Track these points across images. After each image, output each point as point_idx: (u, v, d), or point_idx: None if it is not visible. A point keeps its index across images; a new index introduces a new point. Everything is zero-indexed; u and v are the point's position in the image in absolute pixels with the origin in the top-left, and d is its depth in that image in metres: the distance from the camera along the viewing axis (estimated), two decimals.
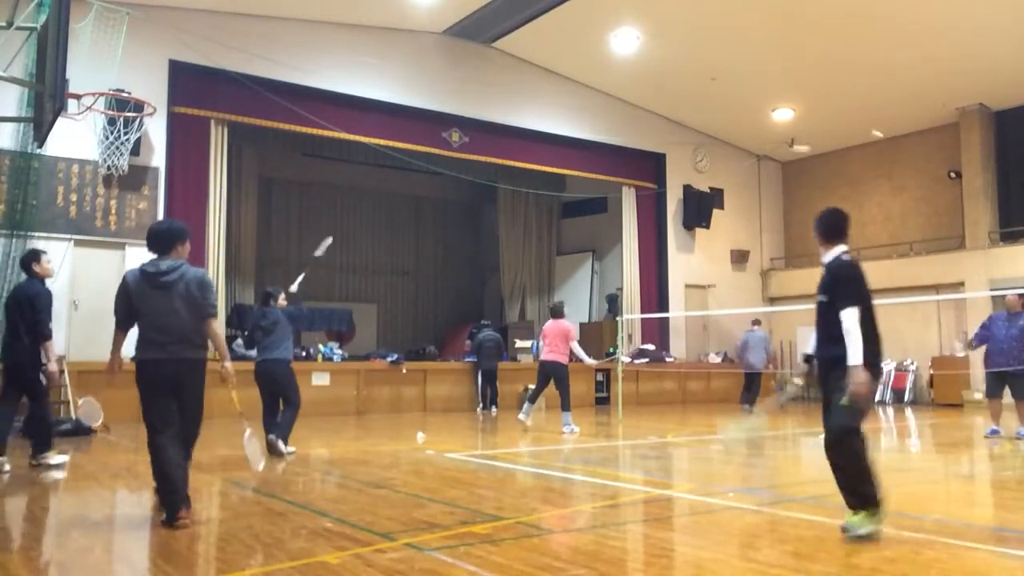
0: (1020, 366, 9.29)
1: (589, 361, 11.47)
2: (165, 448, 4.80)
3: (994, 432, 9.77)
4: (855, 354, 4.30)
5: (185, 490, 4.76)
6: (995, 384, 9.68)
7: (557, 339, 10.76)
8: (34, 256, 7.18)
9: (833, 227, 4.81)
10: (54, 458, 7.27)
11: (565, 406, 10.85)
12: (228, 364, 5.16)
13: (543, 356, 11.01)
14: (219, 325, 5.35)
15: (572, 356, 11.03)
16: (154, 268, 4.94)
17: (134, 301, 4.92)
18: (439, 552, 4.07)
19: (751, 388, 14.94)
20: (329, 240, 10.34)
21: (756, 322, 15.79)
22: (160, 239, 5.04)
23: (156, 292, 4.89)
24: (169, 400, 4.89)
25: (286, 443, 8.06)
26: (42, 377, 7.03)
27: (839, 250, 4.69)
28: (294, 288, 9.02)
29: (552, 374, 10.82)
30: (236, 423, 6.30)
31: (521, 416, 11.05)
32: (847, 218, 4.90)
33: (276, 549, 4.16)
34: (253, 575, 3.73)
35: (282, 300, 8.68)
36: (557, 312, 11.15)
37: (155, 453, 4.82)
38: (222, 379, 5.16)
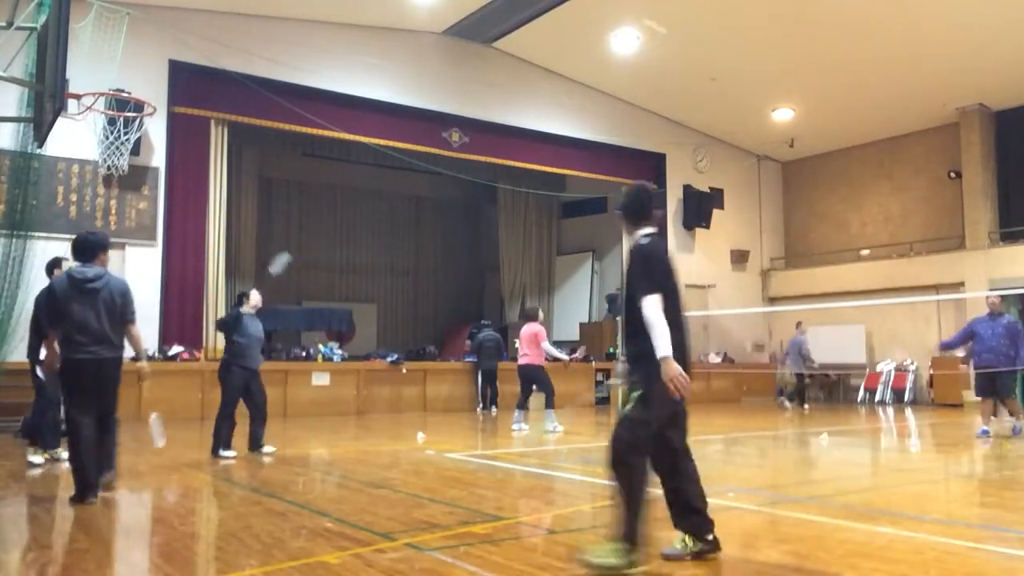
0: (1008, 364, 9.53)
1: (563, 357, 11.49)
2: (84, 438, 5.46)
3: (985, 432, 9.83)
4: (662, 345, 3.78)
5: (97, 477, 5.53)
6: (987, 384, 9.87)
7: (530, 343, 10.96)
8: (55, 263, 7.48)
9: (638, 206, 4.20)
10: (35, 457, 7.38)
11: (548, 404, 11.09)
12: (145, 363, 5.85)
13: (520, 361, 11.18)
14: (137, 328, 5.88)
15: (549, 357, 11.25)
16: (81, 275, 5.56)
17: (60, 305, 5.53)
18: (439, 552, 4.07)
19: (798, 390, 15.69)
20: (286, 257, 10.47)
21: (798, 324, 15.99)
22: (84, 248, 5.75)
23: (81, 297, 5.51)
24: (89, 394, 5.52)
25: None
26: (41, 375, 7.17)
27: (643, 232, 4.11)
28: (274, 269, 9.05)
29: (530, 377, 11.05)
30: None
31: (514, 427, 11.01)
32: (653, 196, 4.30)
33: (276, 549, 4.16)
34: (253, 575, 3.73)
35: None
36: (530, 315, 11.35)
37: (74, 441, 5.47)
38: (139, 377, 5.83)
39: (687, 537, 4.00)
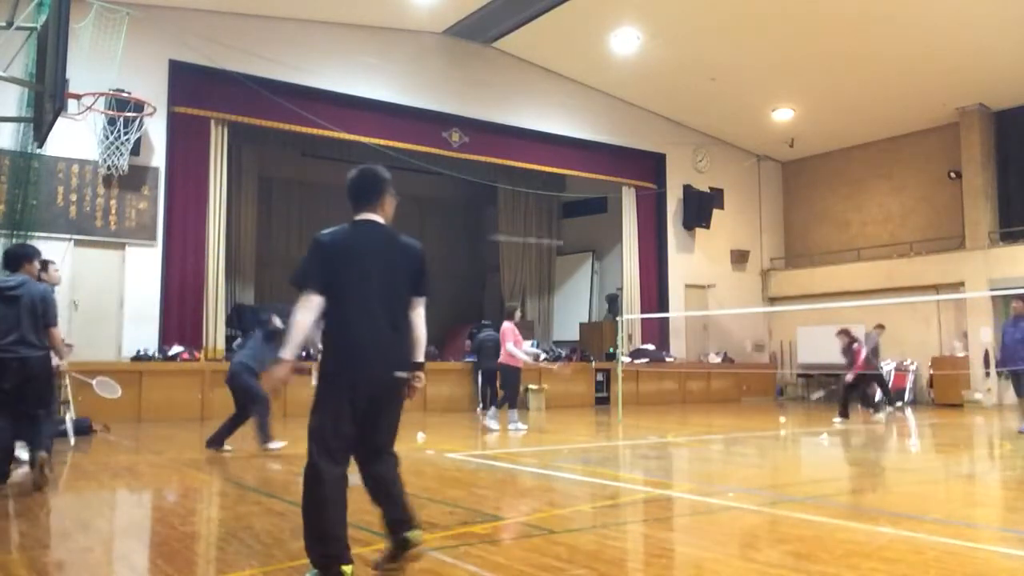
0: (1021, 365, 9.72)
1: (527, 359, 11.40)
2: (4, 428, 6.03)
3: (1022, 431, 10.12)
4: (288, 346, 3.58)
5: (7, 467, 6.15)
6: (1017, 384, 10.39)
7: (502, 342, 11.11)
8: (42, 265, 7.39)
9: (353, 189, 3.79)
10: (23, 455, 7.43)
11: (499, 402, 11.37)
12: (63, 362, 6.53)
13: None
14: (58, 331, 6.31)
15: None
16: (3, 283, 6.11)
17: None
18: (439, 552, 4.07)
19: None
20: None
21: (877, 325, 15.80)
22: (9, 259, 6.43)
23: (3, 303, 6.01)
24: (10, 392, 5.94)
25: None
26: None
27: (357, 218, 3.76)
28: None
29: (501, 375, 11.31)
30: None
31: (511, 426, 11.05)
32: (379, 180, 3.79)
33: (276, 549, 4.15)
34: (253, 575, 3.73)
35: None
36: (506, 314, 11.43)
37: None
38: (59, 374, 6.55)
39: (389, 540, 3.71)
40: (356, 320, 3.58)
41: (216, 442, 8.24)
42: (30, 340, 5.98)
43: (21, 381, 5.92)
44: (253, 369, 8.42)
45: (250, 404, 8.27)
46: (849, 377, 12.12)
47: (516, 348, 10.97)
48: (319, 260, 3.59)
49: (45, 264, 7.34)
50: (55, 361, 6.31)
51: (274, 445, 8.22)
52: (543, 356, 11.95)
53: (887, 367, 17.83)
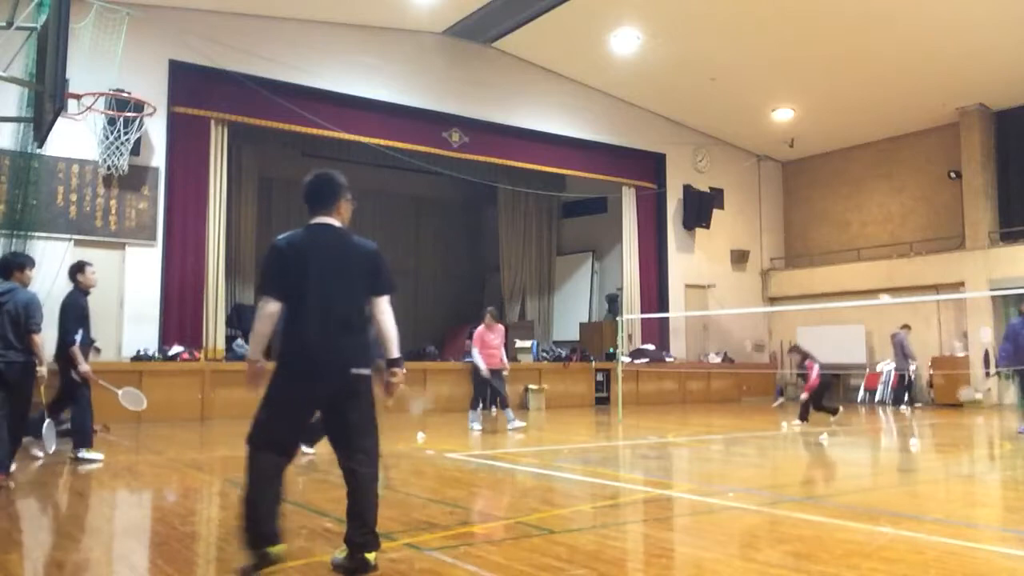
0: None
1: (481, 366, 11.19)
2: None
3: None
4: (251, 347, 3.78)
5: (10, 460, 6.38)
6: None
7: (475, 344, 11.25)
8: (79, 267, 7.69)
9: (308, 193, 3.98)
10: (93, 453, 7.61)
11: (502, 404, 11.62)
12: (43, 369, 6.60)
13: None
14: (40, 338, 6.52)
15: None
16: None
17: None
18: (439, 552, 4.07)
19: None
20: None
21: (904, 326, 16.04)
22: (1, 267, 6.71)
23: None
24: None
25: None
26: (75, 376, 7.40)
27: (312, 222, 3.89)
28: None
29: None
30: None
31: (510, 425, 11.14)
32: (335, 184, 3.98)
33: None
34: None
35: None
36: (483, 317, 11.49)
37: None
38: (37, 379, 6.65)
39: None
40: (309, 321, 3.66)
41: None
42: (13, 345, 6.33)
43: (2, 383, 6.27)
44: None
45: None
46: (803, 396, 12.09)
47: (476, 353, 11.15)
48: (276, 265, 3.72)
49: (82, 266, 7.63)
50: (40, 367, 6.57)
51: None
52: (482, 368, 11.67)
53: (887, 367, 17.84)
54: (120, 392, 8.34)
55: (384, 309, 3.87)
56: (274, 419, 3.64)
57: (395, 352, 3.88)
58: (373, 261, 3.87)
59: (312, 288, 3.68)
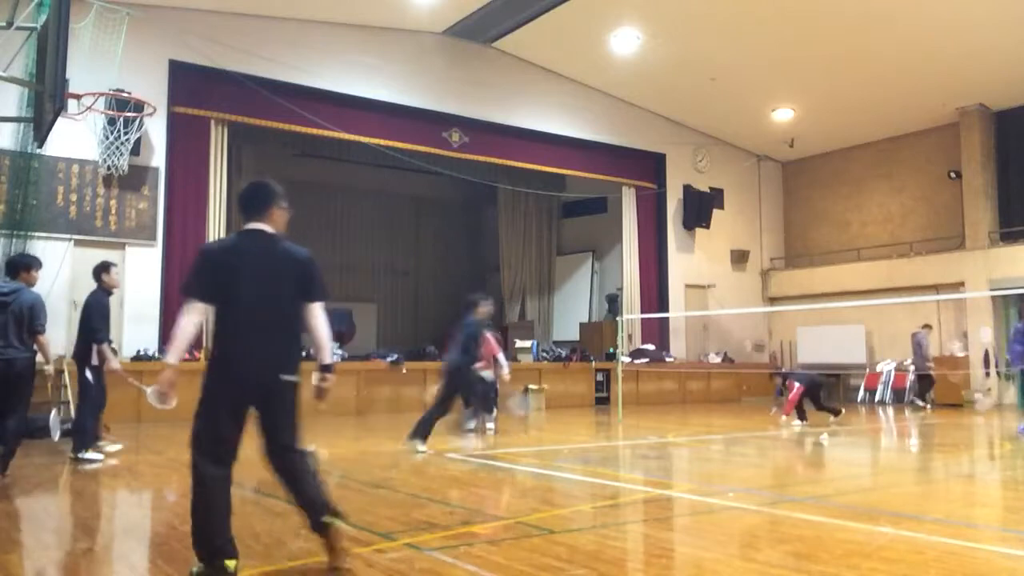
0: None
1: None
2: None
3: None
4: (171, 352, 3.72)
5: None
6: None
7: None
8: (104, 267, 7.86)
9: (243, 200, 3.96)
10: (91, 454, 7.67)
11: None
12: (49, 367, 6.87)
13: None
14: (45, 338, 6.73)
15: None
16: None
17: None
18: (439, 552, 4.07)
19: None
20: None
21: (925, 325, 16.10)
22: (9, 267, 6.99)
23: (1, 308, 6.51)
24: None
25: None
26: (89, 376, 7.50)
27: (247, 227, 3.90)
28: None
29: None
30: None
31: (490, 426, 10.88)
32: (269, 191, 3.96)
33: (276, 549, 4.16)
34: (253, 575, 3.73)
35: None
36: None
37: None
38: (45, 376, 6.97)
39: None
40: (237, 327, 3.71)
41: (419, 434, 8.35)
42: (15, 344, 6.50)
43: (2, 381, 6.45)
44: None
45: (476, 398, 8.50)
46: (783, 419, 12.09)
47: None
48: (202, 269, 3.75)
49: (107, 267, 7.78)
50: (47, 366, 6.79)
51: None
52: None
53: (886, 367, 17.85)
54: (149, 390, 8.28)
55: (317, 315, 3.91)
56: (211, 425, 3.64)
57: (328, 359, 3.95)
58: (305, 268, 3.89)
59: (242, 293, 3.70)
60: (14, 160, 11.76)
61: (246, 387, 3.70)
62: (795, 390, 11.75)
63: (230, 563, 3.54)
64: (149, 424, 11.17)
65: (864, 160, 20.11)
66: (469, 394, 10.10)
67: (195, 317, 3.68)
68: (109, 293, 7.69)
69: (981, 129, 17.61)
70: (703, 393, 18.13)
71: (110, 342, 7.87)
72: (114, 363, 7.57)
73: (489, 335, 10.53)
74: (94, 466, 7.38)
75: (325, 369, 3.97)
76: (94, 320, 7.44)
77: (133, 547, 4.61)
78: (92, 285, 7.76)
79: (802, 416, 11.80)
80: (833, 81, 16.71)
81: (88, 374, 7.49)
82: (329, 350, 3.95)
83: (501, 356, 10.84)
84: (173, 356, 3.70)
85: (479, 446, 9.24)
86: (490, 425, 10.91)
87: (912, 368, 16.13)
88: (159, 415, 11.51)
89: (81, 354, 7.54)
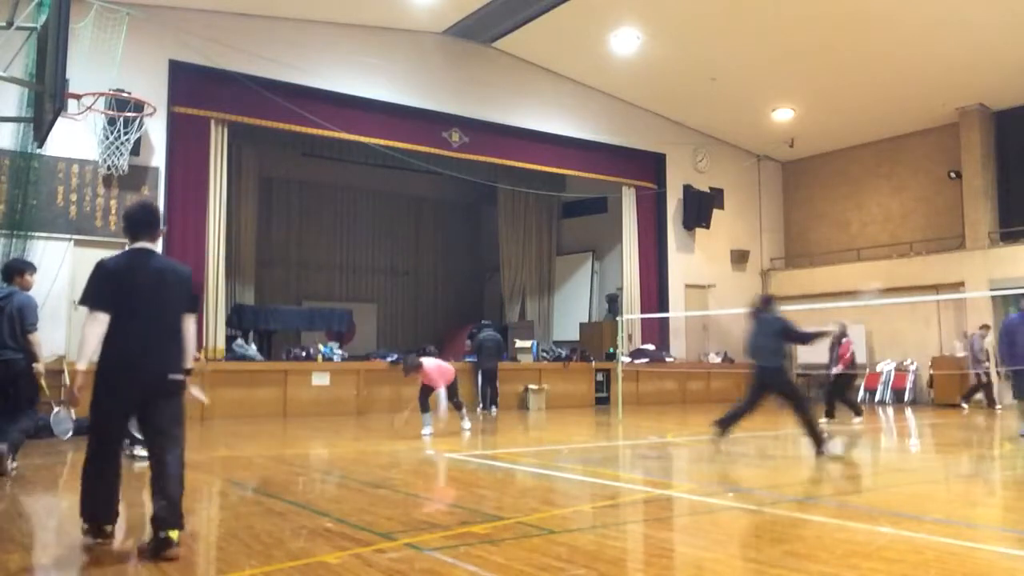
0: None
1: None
2: None
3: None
4: (80, 356, 4.14)
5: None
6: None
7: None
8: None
9: (126, 222, 4.49)
10: (141, 451, 7.66)
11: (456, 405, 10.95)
12: (39, 365, 6.88)
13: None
14: (36, 337, 6.89)
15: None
16: None
17: None
18: (439, 552, 4.07)
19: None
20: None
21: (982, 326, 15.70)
22: (5, 272, 7.19)
23: None
24: None
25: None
26: None
27: (131, 247, 4.41)
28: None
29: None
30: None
31: (467, 423, 10.84)
32: (156, 214, 4.51)
33: (276, 549, 4.16)
34: (253, 575, 3.73)
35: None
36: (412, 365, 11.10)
37: None
38: (35, 375, 6.88)
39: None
40: (129, 332, 4.21)
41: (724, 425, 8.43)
42: (10, 345, 6.74)
43: (4, 380, 6.73)
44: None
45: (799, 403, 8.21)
46: (835, 370, 11.88)
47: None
48: (101, 282, 4.24)
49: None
50: (36, 364, 6.91)
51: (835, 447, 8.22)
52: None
53: (886, 367, 17.85)
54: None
55: (190, 325, 4.48)
56: (104, 412, 4.25)
57: (190, 363, 4.50)
58: (186, 283, 4.50)
59: (135, 303, 4.24)
60: (14, 160, 11.76)
61: (138, 384, 4.23)
62: (849, 351, 11.82)
63: (108, 527, 4.31)
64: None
65: (864, 160, 20.11)
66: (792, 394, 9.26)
67: (97, 327, 4.14)
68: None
69: (981, 129, 17.61)
70: (703, 393, 18.12)
71: None
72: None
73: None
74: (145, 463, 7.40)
75: (187, 373, 4.46)
76: None
77: (133, 547, 4.61)
78: None
79: (831, 412, 11.81)
80: (833, 81, 16.71)
81: None
82: (192, 356, 4.52)
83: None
84: (83, 363, 4.14)
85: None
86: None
87: (977, 371, 15.67)
88: None
89: None
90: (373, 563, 3.86)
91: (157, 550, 4.04)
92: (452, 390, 10.26)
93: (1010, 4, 13.43)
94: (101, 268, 4.26)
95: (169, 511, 4.11)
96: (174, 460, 4.27)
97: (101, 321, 4.15)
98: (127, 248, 4.43)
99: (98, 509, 4.29)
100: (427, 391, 10.03)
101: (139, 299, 4.25)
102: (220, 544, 4.51)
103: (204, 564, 4.12)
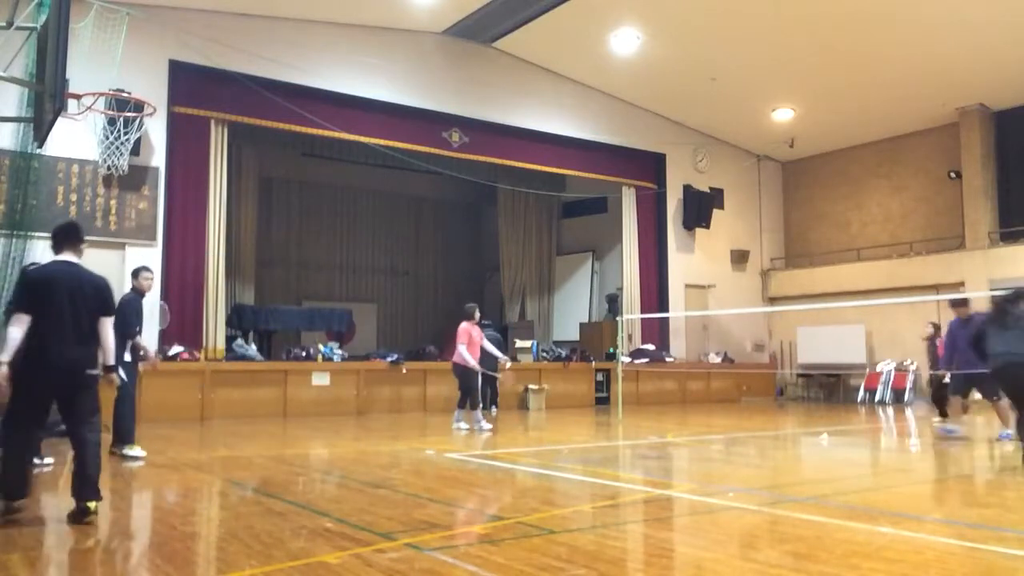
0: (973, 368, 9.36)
1: (472, 363, 11.09)
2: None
3: (952, 431, 9.95)
4: (3, 353, 4.79)
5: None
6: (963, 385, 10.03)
7: (457, 341, 11.14)
8: (136, 272, 8.25)
9: (60, 237, 5.16)
10: (134, 451, 7.84)
11: (459, 404, 11.18)
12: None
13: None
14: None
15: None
16: None
17: None
18: (439, 552, 4.07)
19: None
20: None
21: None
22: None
23: None
24: None
25: None
26: (122, 374, 7.56)
27: (54, 258, 5.12)
28: None
29: (454, 374, 11.25)
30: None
31: (455, 426, 10.94)
32: (79, 230, 5.23)
33: (276, 549, 4.16)
34: (253, 575, 3.73)
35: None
36: (465, 315, 11.50)
37: None
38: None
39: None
40: (49, 333, 4.84)
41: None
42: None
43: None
44: None
45: None
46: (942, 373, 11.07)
47: (467, 350, 10.93)
48: (25, 288, 4.95)
49: (139, 271, 8.09)
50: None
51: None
52: (506, 360, 11.83)
53: (886, 367, 17.85)
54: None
55: (107, 327, 5.11)
56: (23, 406, 4.86)
57: (111, 361, 5.19)
58: (102, 292, 5.13)
59: (53, 308, 4.87)
60: (14, 160, 11.74)
61: (58, 378, 4.88)
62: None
63: (20, 502, 4.94)
64: (149, 424, 11.16)
65: (864, 160, 20.11)
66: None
67: (21, 327, 4.77)
68: (141, 295, 8.06)
69: (981, 129, 17.61)
70: (703, 393, 18.13)
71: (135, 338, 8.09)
72: (152, 355, 8.14)
73: None
74: (138, 463, 7.47)
75: (109, 369, 5.20)
76: (128, 316, 7.69)
77: (133, 547, 4.61)
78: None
79: (944, 411, 11.65)
80: (833, 81, 16.71)
81: (122, 372, 7.59)
82: (112, 354, 5.18)
83: None
84: (6, 356, 4.75)
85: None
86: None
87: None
88: (159, 415, 11.53)
89: (116, 352, 7.70)
90: (373, 563, 3.86)
91: (77, 517, 4.73)
92: (469, 389, 10.82)
93: (1010, 4, 13.43)
94: (25, 276, 5.05)
95: (88, 485, 4.80)
96: (92, 443, 4.94)
97: (23, 322, 4.77)
98: (52, 259, 5.11)
99: (14, 486, 4.90)
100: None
101: (57, 304, 4.87)
102: (220, 544, 4.51)
103: (204, 564, 4.12)
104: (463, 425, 10.95)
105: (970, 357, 8.76)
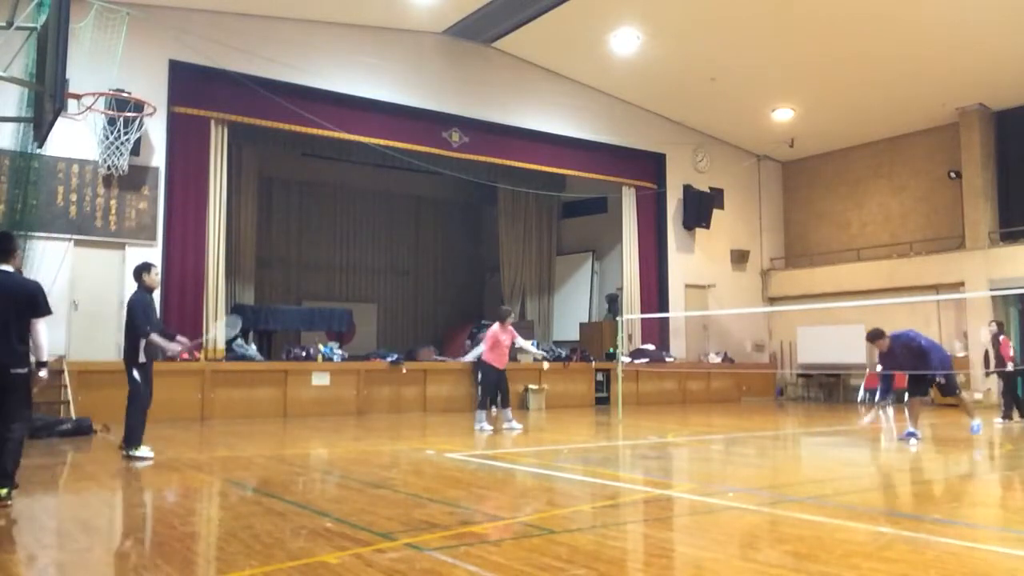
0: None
1: (497, 365, 11.17)
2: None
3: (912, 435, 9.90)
4: None
5: None
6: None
7: (486, 343, 11.21)
8: (145, 267, 8.08)
9: None
10: (142, 451, 7.80)
11: (480, 405, 11.43)
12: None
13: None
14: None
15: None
16: None
17: None
18: (439, 552, 4.07)
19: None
20: None
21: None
22: None
23: None
24: None
25: None
26: (136, 375, 7.72)
27: None
28: None
29: (480, 373, 11.62)
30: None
31: (506, 426, 11.06)
32: (13, 241, 5.75)
33: (276, 549, 4.16)
34: (253, 575, 3.73)
35: None
36: (499, 317, 11.47)
37: None
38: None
39: None
40: None
41: None
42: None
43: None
44: None
45: None
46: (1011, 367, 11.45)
47: (486, 353, 11.07)
48: None
49: (147, 267, 8.01)
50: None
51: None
52: (543, 358, 11.94)
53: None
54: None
55: (40, 327, 5.58)
56: None
57: (44, 357, 5.68)
58: (33, 296, 5.59)
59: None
60: (14, 160, 11.75)
61: None
62: (1010, 349, 11.66)
63: None
64: (149, 424, 11.14)
65: (864, 160, 20.11)
66: None
67: None
68: (150, 292, 7.98)
69: (981, 129, 17.61)
70: (703, 393, 18.13)
71: (147, 334, 8.00)
72: (171, 345, 7.91)
73: None
74: (146, 463, 7.48)
75: (42, 365, 5.69)
76: (136, 317, 7.65)
77: (133, 547, 4.61)
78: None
79: (1009, 413, 11.68)
80: (833, 81, 16.71)
81: (135, 373, 7.67)
82: (46, 351, 5.66)
83: None
84: None
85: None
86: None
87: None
88: (159, 415, 11.52)
89: (128, 354, 7.76)
90: (373, 563, 3.86)
91: None
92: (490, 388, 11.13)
93: (1010, 4, 13.43)
94: None
95: (5, 479, 5.38)
96: (16, 436, 5.50)
97: None
98: None
99: None
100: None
101: None
102: (220, 544, 4.51)
103: (204, 564, 4.12)
104: (486, 426, 10.96)
105: None
